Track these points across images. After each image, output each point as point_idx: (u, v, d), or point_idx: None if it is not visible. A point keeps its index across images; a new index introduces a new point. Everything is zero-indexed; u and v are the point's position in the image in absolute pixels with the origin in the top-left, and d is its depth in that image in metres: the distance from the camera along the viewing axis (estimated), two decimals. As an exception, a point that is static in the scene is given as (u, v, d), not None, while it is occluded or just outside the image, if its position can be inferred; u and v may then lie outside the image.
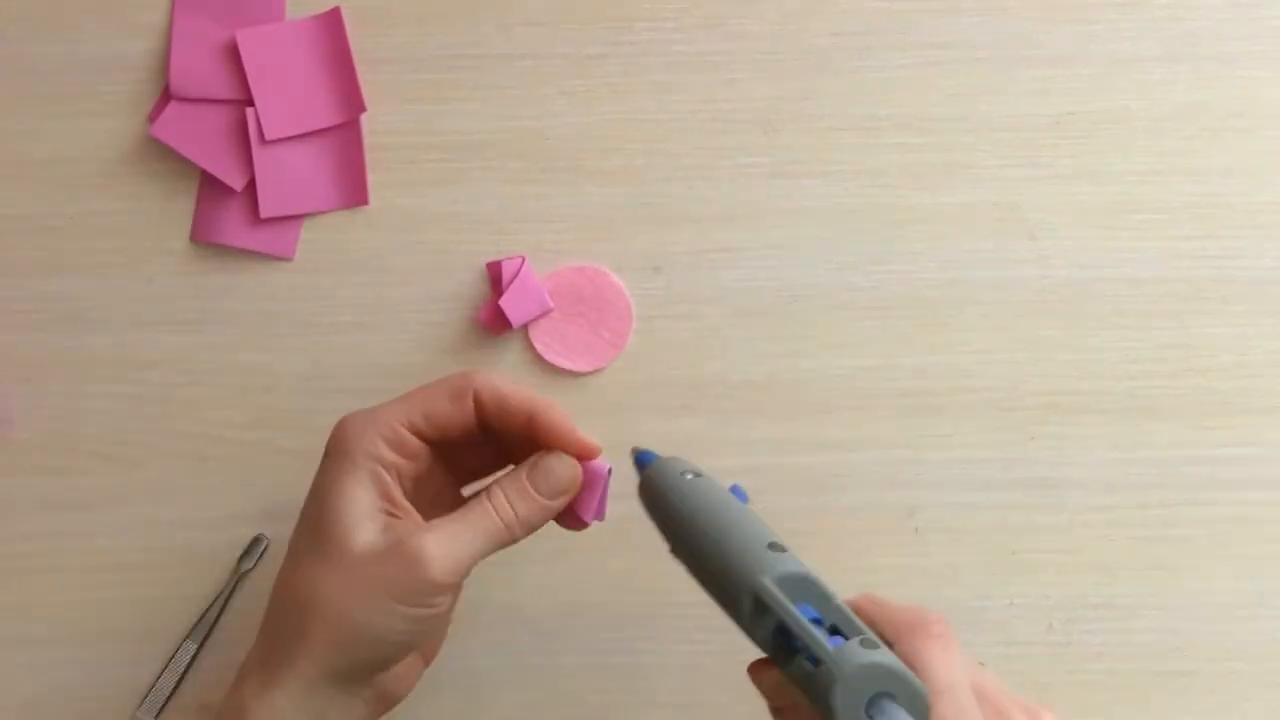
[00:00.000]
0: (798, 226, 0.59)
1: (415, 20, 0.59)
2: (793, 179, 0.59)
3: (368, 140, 0.59)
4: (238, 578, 0.57)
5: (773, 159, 0.59)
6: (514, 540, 0.48)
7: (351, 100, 0.58)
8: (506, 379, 0.48)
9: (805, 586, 0.43)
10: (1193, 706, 0.57)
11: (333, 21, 0.58)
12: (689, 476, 0.48)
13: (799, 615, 0.42)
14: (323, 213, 0.58)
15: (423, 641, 0.48)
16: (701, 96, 0.59)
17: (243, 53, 0.57)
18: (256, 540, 0.57)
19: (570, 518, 0.50)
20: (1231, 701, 0.57)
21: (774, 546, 0.44)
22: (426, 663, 0.50)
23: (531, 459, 0.48)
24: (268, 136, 0.57)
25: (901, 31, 0.59)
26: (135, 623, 0.57)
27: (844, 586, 0.58)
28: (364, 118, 0.59)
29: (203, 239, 0.58)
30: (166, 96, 0.59)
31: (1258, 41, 0.59)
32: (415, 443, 0.48)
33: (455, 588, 0.47)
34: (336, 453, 0.47)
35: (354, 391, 0.58)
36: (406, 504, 0.47)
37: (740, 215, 0.59)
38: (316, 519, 0.46)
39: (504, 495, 0.47)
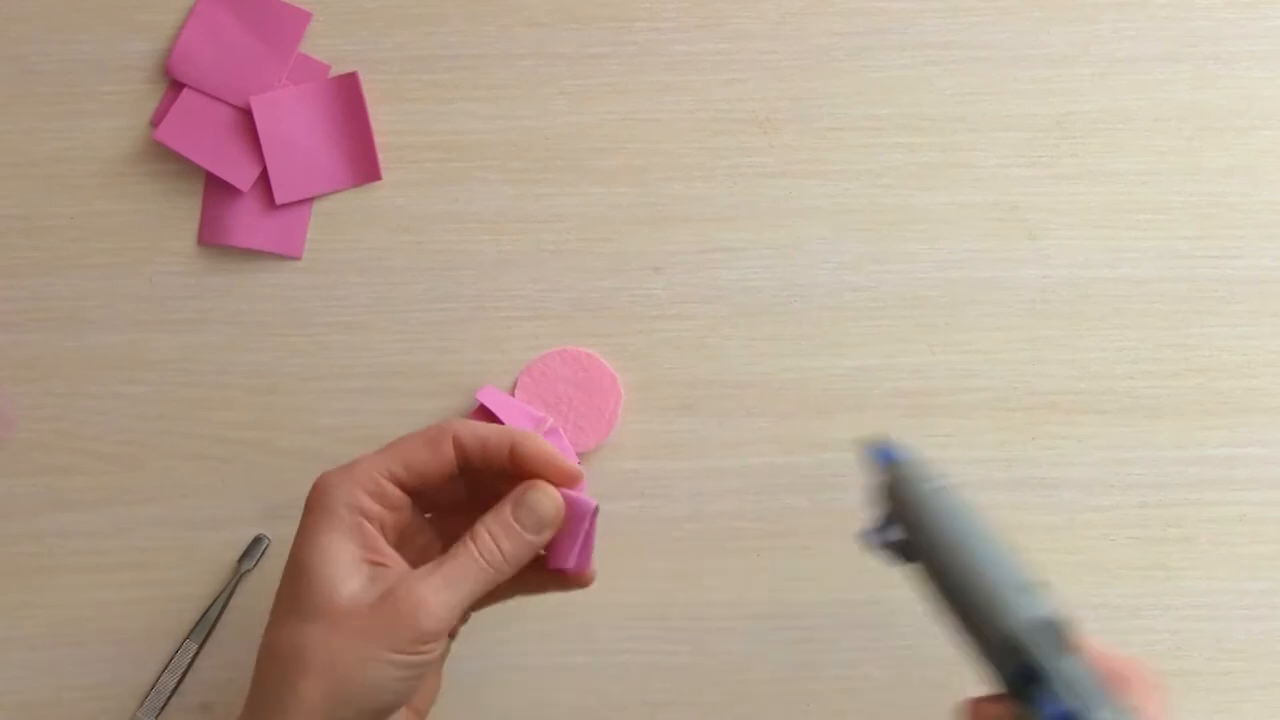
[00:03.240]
0: (798, 226, 0.59)
1: (415, 20, 0.59)
2: (793, 179, 0.59)
3: (368, 140, 0.59)
4: (238, 578, 0.57)
5: (773, 159, 0.59)
6: (502, 578, 0.47)
7: (368, 166, 0.59)
8: (480, 423, 0.48)
9: (1054, 631, 0.43)
10: (1193, 706, 0.57)
11: (350, 85, 0.58)
12: (937, 487, 0.47)
13: (1064, 670, 0.42)
14: (336, 192, 0.58)
15: (415, 691, 0.47)
16: (701, 96, 0.59)
17: (256, 118, 0.58)
18: (256, 540, 0.57)
19: (552, 564, 0.49)
20: (1231, 701, 0.57)
21: (1029, 585, 0.44)
22: (420, 717, 0.50)
23: (514, 493, 0.47)
24: (278, 201, 0.58)
25: (901, 31, 0.59)
26: (135, 623, 0.57)
27: (844, 587, 0.59)
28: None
29: (211, 241, 0.58)
30: (169, 98, 0.59)
31: (1258, 41, 0.59)
32: (396, 492, 0.47)
33: (447, 633, 0.46)
34: (316, 508, 0.46)
35: (354, 392, 0.58)
36: (391, 551, 0.47)
37: (740, 215, 0.59)
38: (300, 575, 0.46)
39: (488, 534, 0.47)
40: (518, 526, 0.47)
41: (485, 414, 0.56)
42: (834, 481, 0.58)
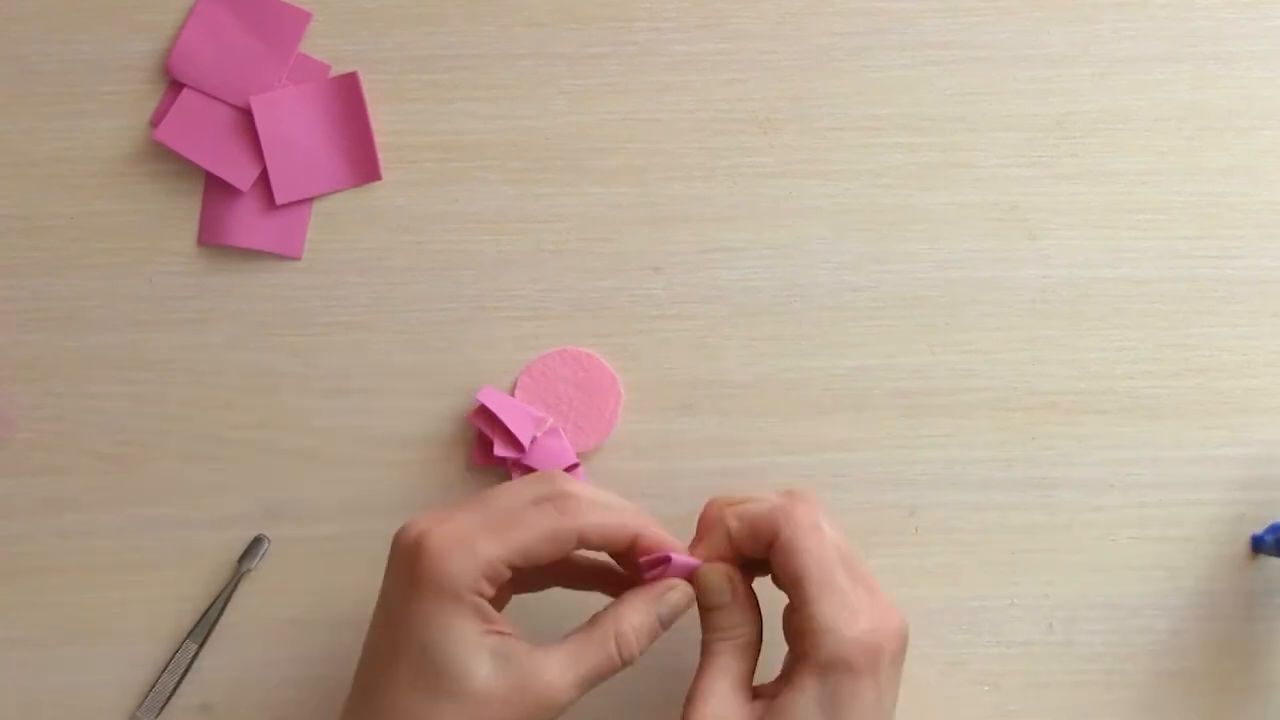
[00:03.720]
0: (798, 226, 0.59)
1: (415, 20, 0.59)
2: (793, 179, 0.59)
3: (368, 140, 0.59)
4: (238, 578, 0.57)
5: (773, 159, 0.59)
6: (629, 665, 0.48)
7: (368, 166, 0.58)
8: (599, 503, 0.48)
9: None
10: (1193, 706, 0.57)
11: (350, 85, 0.58)
12: None
13: None
14: (337, 192, 0.58)
15: None
16: (701, 96, 0.59)
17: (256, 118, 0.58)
18: (257, 540, 0.57)
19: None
20: (1231, 701, 0.57)
21: None
22: None
23: (657, 591, 0.48)
24: (278, 201, 0.58)
25: (901, 31, 0.59)
26: (135, 623, 0.57)
27: (844, 586, 0.58)
28: (364, 118, 0.59)
29: (210, 241, 0.58)
30: (169, 98, 0.59)
31: (1258, 41, 0.59)
32: (508, 573, 0.47)
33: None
34: (433, 586, 0.45)
35: (354, 392, 0.58)
36: (506, 621, 0.47)
37: (740, 215, 0.59)
38: (427, 654, 0.45)
39: (631, 631, 0.47)
40: (659, 623, 0.48)
41: (486, 414, 0.56)
42: (834, 481, 0.58)
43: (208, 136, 0.58)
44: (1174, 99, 0.59)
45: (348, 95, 0.58)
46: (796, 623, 0.47)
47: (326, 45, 0.59)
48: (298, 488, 0.58)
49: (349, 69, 0.59)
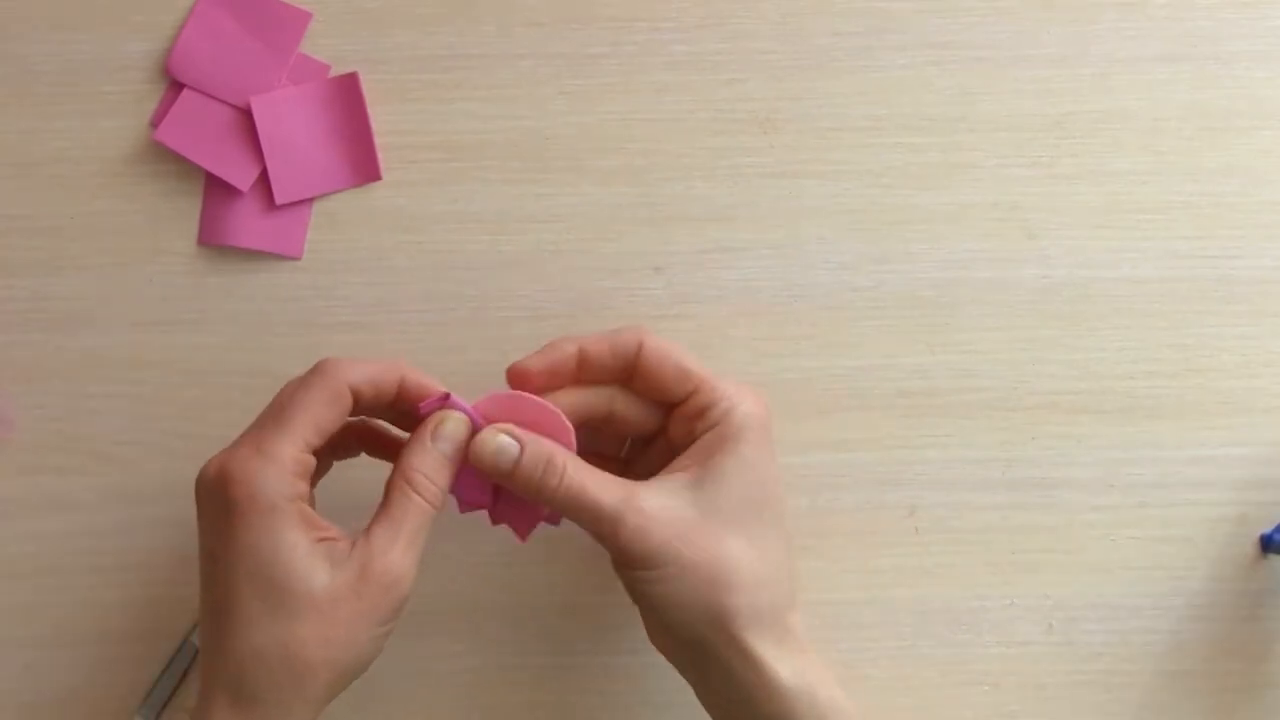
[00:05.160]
0: (798, 226, 0.59)
1: (415, 20, 0.59)
2: (793, 179, 0.59)
3: (368, 140, 0.59)
4: (238, 578, 0.57)
5: (773, 159, 0.59)
6: (440, 510, 0.48)
7: (368, 166, 0.59)
8: (361, 358, 0.49)
9: None
10: (1193, 707, 0.57)
11: (350, 85, 0.58)
12: None
13: None
14: (337, 192, 0.58)
15: None
16: (701, 96, 0.59)
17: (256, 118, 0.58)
18: (256, 540, 0.57)
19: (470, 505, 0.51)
20: (1232, 702, 0.57)
21: None
22: None
23: (429, 429, 0.48)
24: (279, 201, 0.58)
25: (901, 31, 0.59)
26: (135, 623, 0.57)
27: (844, 587, 0.59)
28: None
29: (211, 241, 0.58)
30: (169, 98, 0.59)
31: (1258, 41, 0.59)
32: (312, 460, 0.47)
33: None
34: (248, 503, 0.45)
35: (354, 391, 0.58)
36: (330, 524, 0.47)
37: (740, 215, 0.59)
38: (265, 577, 0.45)
39: (423, 476, 0.47)
40: (444, 457, 0.48)
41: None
42: (834, 481, 0.58)
43: (208, 137, 0.58)
44: (1174, 99, 0.59)
45: (347, 95, 0.58)
46: (693, 407, 0.50)
47: (326, 45, 0.59)
48: (298, 488, 0.58)
49: (349, 69, 0.59)
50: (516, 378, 0.50)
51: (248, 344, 0.58)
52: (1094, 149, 0.59)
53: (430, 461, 0.48)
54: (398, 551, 0.46)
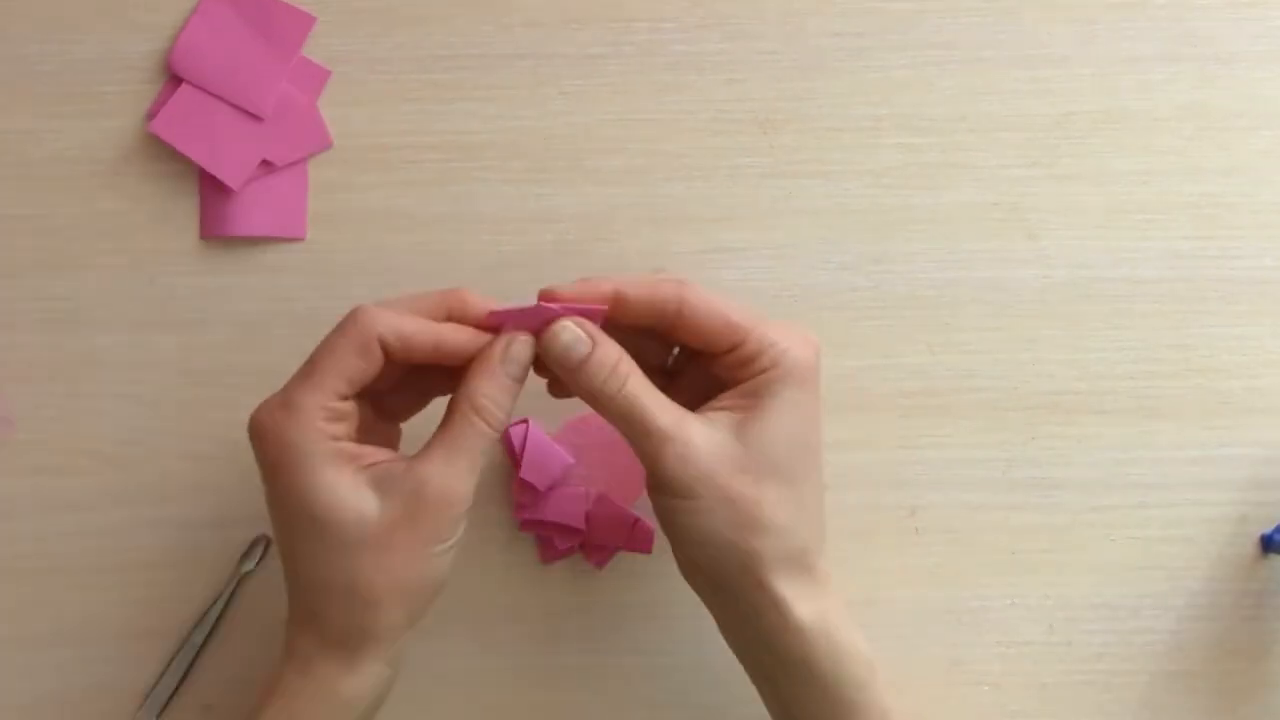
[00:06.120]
0: (798, 226, 0.59)
1: (416, 20, 0.59)
2: (793, 179, 0.59)
3: (370, 140, 0.59)
4: (238, 578, 0.57)
5: (773, 159, 0.59)
6: (501, 435, 0.49)
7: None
8: (395, 300, 0.49)
9: None
10: (1193, 706, 0.57)
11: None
12: None
13: None
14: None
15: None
16: (701, 96, 0.59)
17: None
18: (257, 540, 0.57)
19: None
20: (1232, 702, 0.57)
21: None
22: None
23: (497, 353, 0.48)
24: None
25: (901, 31, 0.59)
26: (135, 623, 0.57)
27: (844, 587, 0.59)
28: (366, 118, 0.59)
29: (212, 234, 0.58)
30: (167, 92, 0.59)
31: (1258, 41, 0.59)
32: (347, 406, 0.48)
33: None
34: (278, 453, 0.47)
35: (354, 391, 0.58)
36: (374, 449, 0.48)
37: (740, 215, 0.59)
38: (306, 516, 0.46)
39: (486, 399, 0.48)
40: (512, 380, 0.48)
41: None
42: (834, 481, 0.58)
43: (203, 133, 0.58)
44: (1174, 99, 0.59)
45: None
46: (741, 356, 0.49)
47: (327, 45, 0.59)
48: (298, 488, 0.58)
49: (349, 69, 0.59)
50: (545, 298, 0.50)
51: (247, 344, 0.58)
52: (1094, 149, 0.59)
53: (496, 386, 0.48)
54: (455, 475, 0.47)
